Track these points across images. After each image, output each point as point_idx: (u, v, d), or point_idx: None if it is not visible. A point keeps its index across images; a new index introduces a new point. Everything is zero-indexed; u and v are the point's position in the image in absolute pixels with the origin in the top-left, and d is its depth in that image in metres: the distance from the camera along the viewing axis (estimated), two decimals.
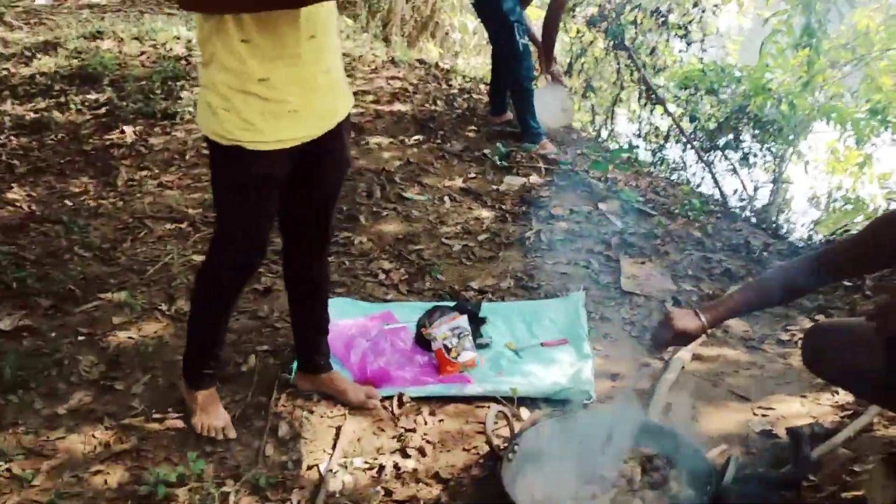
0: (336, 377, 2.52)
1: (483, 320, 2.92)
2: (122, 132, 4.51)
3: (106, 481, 2.13)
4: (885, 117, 5.08)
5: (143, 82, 5.22)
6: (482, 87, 5.84)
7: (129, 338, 2.75)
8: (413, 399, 2.52)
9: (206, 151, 2.60)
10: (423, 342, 2.78)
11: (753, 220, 4.37)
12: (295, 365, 2.55)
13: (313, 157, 2.07)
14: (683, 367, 2.67)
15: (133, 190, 3.92)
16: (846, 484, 2.07)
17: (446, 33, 8.69)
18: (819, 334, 2.12)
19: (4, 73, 5.42)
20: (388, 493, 2.14)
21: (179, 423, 2.34)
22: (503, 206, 3.96)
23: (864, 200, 5.23)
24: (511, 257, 3.49)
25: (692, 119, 5.80)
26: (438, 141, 4.69)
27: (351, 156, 2.63)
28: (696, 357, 2.77)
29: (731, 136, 5.56)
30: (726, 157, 5.57)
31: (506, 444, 2.15)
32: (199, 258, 3.25)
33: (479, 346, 2.78)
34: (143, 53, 5.91)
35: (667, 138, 6.09)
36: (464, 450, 2.31)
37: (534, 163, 4.43)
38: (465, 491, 2.15)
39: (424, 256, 3.46)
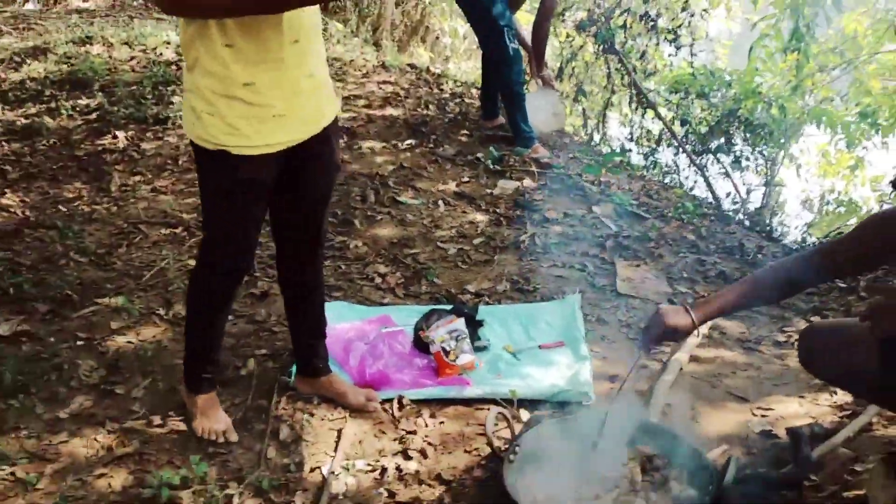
0: (335, 380, 2.52)
1: (480, 323, 2.93)
2: (115, 137, 4.50)
3: (110, 484, 2.12)
4: (875, 121, 5.14)
5: (134, 87, 5.21)
6: (473, 91, 5.87)
7: (128, 342, 2.74)
8: (413, 401, 2.52)
9: None
10: (421, 345, 2.79)
11: (747, 222, 4.41)
12: (294, 368, 2.56)
13: (300, 161, 2.07)
14: (681, 369, 2.68)
15: (127, 195, 3.90)
16: (847, 483, 2.09)
17: (436, 38, 8.72)
18: (814, 335, 2.14)
19: None
20: (392, 494, 2.14)
21: (181, 427, 2.34)
22: (497, 210, 3.98)
23: (856, 203, 5.29)
24: (506, 261, 3.50)
25: (683, 123, 5.84)
26: (431, 145, 4.70)
27: (341, 160, 2.64)
28: (694, 359, 2.78)
29: (722, 140, 5.60)
30: (718, 161, 5.61)
31: (507, 446, 2.16)
32: (194, 263, 3.24)
33: (477, 349, 2.78)
34: (132, 58, 5.89)
35: (658, 142, 6.13)
36: (465, 451, 2.32)
37: (527, 166, 4.45)
38: (467, 492, 2.16)
39: (420, 260, 3.46)
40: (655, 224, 3.89)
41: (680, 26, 6.21)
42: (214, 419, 2.33)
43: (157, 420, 2.37)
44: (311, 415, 2.44)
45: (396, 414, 2.47)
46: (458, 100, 5.59)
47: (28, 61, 5.69)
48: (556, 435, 2.18)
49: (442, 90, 5.86)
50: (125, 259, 3.31)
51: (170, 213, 3.73)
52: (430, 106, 5.38)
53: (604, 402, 2.49)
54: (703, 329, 2.90)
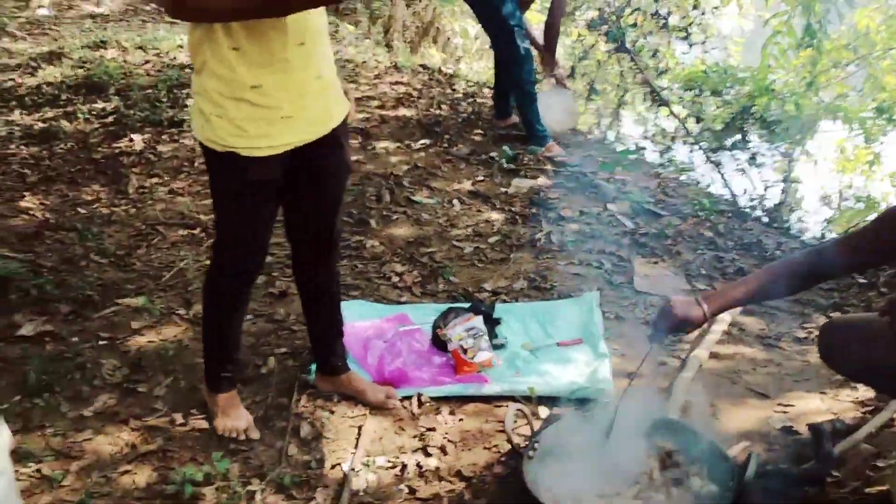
0: (355, 378, 2.54)
1: (498, 321, 2.93)
2: (131, 140, 4.53)
3: (134, 481, 2.15)
4: (892, 116, 5.11)
5: (149, 91, 5.24)
6: (486, 90, 5.87)
7: (150, 342, 2.76)
8: (432, 399, 2.53)
9: None
10: (439, 343, 2.79)
11: (765, 219, 4.38)
12: (314, 366, 2.57)
13: (310, 162, 2.08)
14: (701, 366, 2.68)
15: (144, 197, 3.93)
16: (869, 479, 2.08)
17: (448, 39, 8.73)
18: (834, 330, 2.13)
19: (11, 83, 5.45)
20: (412, 490, 2.15)
21: (203, 424, 2.36)
22: (512, 209, 3.98)
23: (875, 199, 5.25)
24: (522, 259, 3.50)
25: (698, 120, 5.83)
26: (445, 145, 4.71)
27: (352, 161, 2.65)
28: (714, 355, 2.78)
29: (738, 137, 5.58)
30: (734, 158, 5.58)
31: (526, 442, 2.16)
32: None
33: (495, 347, 2.78)
34: (147, 62, 5.94)
35: (674, 139, 6.11)
36: (485, 448, 2.32)
37: (541, 165, 4.45)
38: (487, 489, 2.16)
39: (436, 259, 3.47)
40: (672, 221, 3.87)
41: (691, 24, 6.21)
42: (235, 417, 2.34)
43: (179, 418, 2.39)
44: (332, 412, 2.45)
45: (416, 411, 2.47)
46: (470, 99, 5.60)
47: (44, 66, 5.74)
48: (576, 431, 2.18)
49: (454, 90, 5.87)
50: (144, 260, 3.34)
51: (187, 215, 3.75)
52: (443, 106, 5.40)
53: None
54: (723, 326, 2.90)
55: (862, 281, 3.27)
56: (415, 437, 2.37)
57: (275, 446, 2.30)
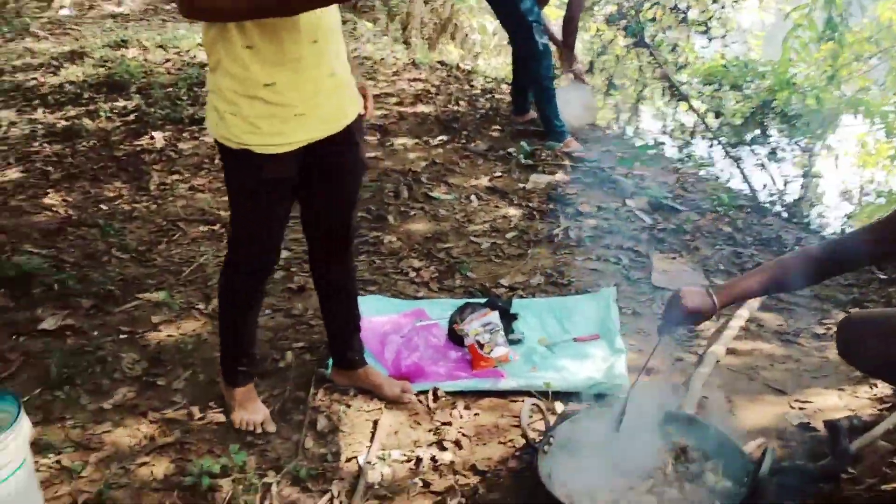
0: (371, 372, 2.55)
1: (514, 316, 2.93)
2: (152, 138, 4.58)
3: (152, 472, 2.17)
4: None
5: (170, 89, 5.30)
6: (504, 87, 5.87)
7: (169, 336, 2.80)
8: (448, 393, 2.54)
9: None
10: (455, 338, 2.80)
11: (784, 214, 4.35)
12: (331, 361, 2.59)
13: (321, 159, 2.09)
14: (718, 361, 2.66)
15: (165, 194, 3.98)
16: (885, 476, 2.07)
17: (466, 35, 8.73)
18: (852, 326, 2.11)
19: (34, 82, 5.54)
20: (427, 484, 2.16)
21: (220, 418, 2.39)
22: (530, 204, 3.98)
23: None
24: (540, 254, 3.50)
25: (717, 115, 5.78)
26: (463, 141, 4.72)
27: (367, 159, 2.66)
28: (731, 351, 2.76)
29: (757, 132, 5.53)
30: (754, 152, 5.54)
31: (541, 437, 2.17)
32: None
33: (512, 342, 2.79)
34: (167, 61, 6.00)
35: (693, 134, 6.07)
36: (500, 443, 2.33)
37: (559, 161, 4.45)
38: (502, 483, 2.17)
39: (453, 254, 3.48)
40: (691, 216, 3.85)
41: (711, 18, 6.16)
42: (252, 410, 2.37)
43: (197, 411, 2.41)
44: (348, 406, 2.47)
45: (431, 405, 2.49)
46: (488, 96, 5.60)
47: (66, 65, 5.82)
48: (591, 426, 2.17)
49: (472, 86, 5.88)
50: (165, 255, 3.38)
51: (207, 211, 3.79)
52: (461, 102, 5.40)
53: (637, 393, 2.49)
54: (741, 321, 2.88)
55: (882, 276, 3.23)
56: (430, 431, 2.38)
57: (291, 439, 2.33)
